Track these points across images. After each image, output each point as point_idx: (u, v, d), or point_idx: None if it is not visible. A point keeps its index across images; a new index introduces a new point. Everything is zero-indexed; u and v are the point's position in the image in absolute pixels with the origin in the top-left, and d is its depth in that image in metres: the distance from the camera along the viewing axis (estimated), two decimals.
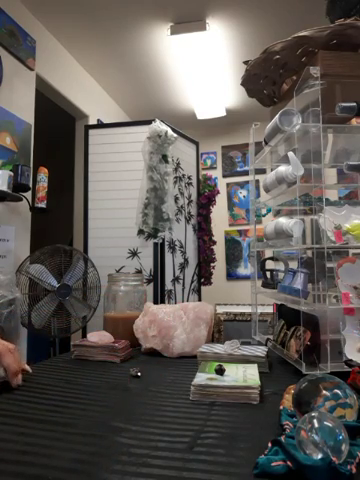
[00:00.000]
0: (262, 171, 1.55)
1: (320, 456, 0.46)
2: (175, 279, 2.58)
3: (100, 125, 3.29)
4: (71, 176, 3.48)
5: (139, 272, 2.39)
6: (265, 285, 1.38)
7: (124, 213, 2.46)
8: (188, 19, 2.71)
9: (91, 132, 2.62)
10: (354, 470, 0.46)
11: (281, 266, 1.32)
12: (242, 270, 4.50)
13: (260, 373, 0.88)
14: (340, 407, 0.57)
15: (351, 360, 0.91)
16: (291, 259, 1.30)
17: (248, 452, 0.54)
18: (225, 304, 3.72)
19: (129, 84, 3.69)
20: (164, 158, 2.38)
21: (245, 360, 1.02)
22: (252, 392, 0.78)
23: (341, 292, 0.97)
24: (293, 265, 1.22)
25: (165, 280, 2.45)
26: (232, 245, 4.56)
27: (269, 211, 1.50)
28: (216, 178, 3.91)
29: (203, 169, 4.49)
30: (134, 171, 2.45)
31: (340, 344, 0.95)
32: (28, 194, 2.36)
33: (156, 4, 2.57)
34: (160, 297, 2.41)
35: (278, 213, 1.66)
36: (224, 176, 4.70)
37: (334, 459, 0.45)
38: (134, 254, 2.45)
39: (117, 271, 2.43)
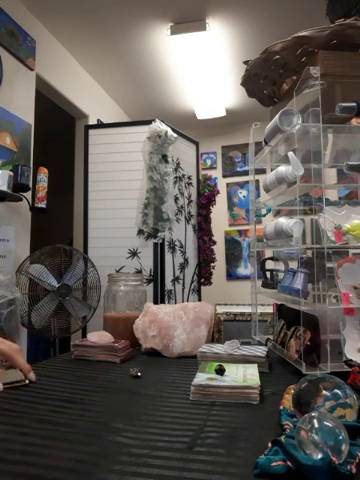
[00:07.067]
0: (262, 171, 1.55)
1: (320, 456, 0.46)
2: (175, 279, 2.58)
3: (100, 125, 3.29)
4: (71, 176, 3.48)
5: (139, 272, 2.39)
6: (265, 285, 1.38)
7: (124, 213, 2.46)
8: (188, 19, 2.72)
9: (91, 132, 2.62)
10: (354, 470, 0.46)
11: (281, 266, 1.32)
12: (242, 270, 4.51)
13: (260, 373, 0.88)
14: (340, 407, 0.57)
15: (351, 360, 0.91)
16: (291, 259, 1.30)
17: (248, 452, 0.54)
18: (225, 304, 3.72)
19: (129, 84, 3.69)
20: (164, 158, 2.38)
21: (245, 360, 1.02)
22: (252, 392, 0.77)
23: (341, 292, 0.97)
24: (293, 265, 1.22)
25: (165, 280, 2.45)
26: (232, 245, 4.56)
27: (269, 211, 1.50)
28: (216, 178, 3.92)
29: (203, 169, 4.49)
30: (134, 171, 2.45)
31: (340, 344, 0.95)
32: (28, 194, 2.36)
33: (156, 4, 2.57)
34: (160, 297, 2.41)
35: (278, 213, 1.66)
36: (224, 176, 4.70)
37: (334, 459, 0.45)
38: (134, 254, 2.45)
39: (117, 271, 2.43)
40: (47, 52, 2.83)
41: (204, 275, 2.91)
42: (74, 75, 3.25)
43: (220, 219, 4.41)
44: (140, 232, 2.40)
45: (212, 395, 0.79)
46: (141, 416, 0.70)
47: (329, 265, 0.97)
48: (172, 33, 2.79)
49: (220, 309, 3.59)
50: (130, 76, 3.53)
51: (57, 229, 3.94)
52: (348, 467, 0.45)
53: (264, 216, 1.59)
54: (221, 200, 4.29)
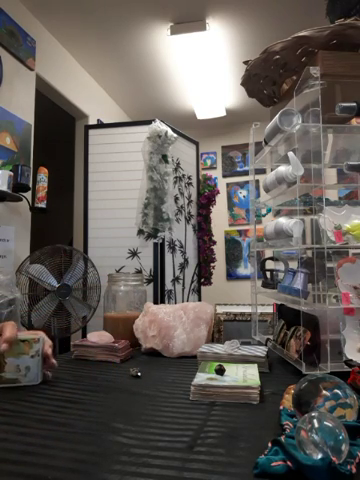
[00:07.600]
0: (262, 171, 1.55)
1: (320, 456, 0.46)
2: (175, 279, 2.58)
3: (100, 125, 3.29)
4: (71, 176, 3.48)
5: (139, 272, 2.39)
6: (265, 285, 1.38)
7: (124, 213, 2.46)
8: (188, 19, 2.71)
9: (91, 132, 2.62)
10: (354, 470, 0.46)
11: (281, 266, 1.32)
12: (242, 270, 4.51)
13: (260, 373, 0.88)
14: (340, 407, 0.57)
15: (351, 360, 0.91)
16: (291, 259, 1.30)
17: (248, 452, 0.54)
18: (225, 304, 3.72)
19: (129, 84, 3.69)
20: (164, 158, 2.38)
21: (245, 360, 1.02)
22: (252, 392, 0.77)
23: (341, 292, 0.97)
24: (293, 265, 1.22)
25: (165, 280, 2.45)
26: (232, 245, 4.56)
27: (269, 211, 1.50)
28: (216, 178, 3.91)
29: (203, 169, 4.49)
30: (134, 171, 2.45)
31: (340, 344, 0.96)
32: (28, 194, 2.36)
33: (156, 4, 2.57)
34: (160, 297, 2.41)
35: (278, 213, 1.66)
36: (224, 176, 4.70)
37: (334, 459, 0.45)
38: (134, 254, 2.45)
39: (117, 271, 2.43)
40: (47, 52, 2.83)
41: (204, 275, 2.91)
42: (74, 75, 3.25)
43: (220, 219, 4.41)
44: (140, 232, 2.40)
45: (212, 395, 0.79)
46: (141, 416, 0.70)
47: (329, 265, 0.97)
48: (172, 33, 2.79)
49: (220, 309, 3.58)
50: (130, 76, 3.53)
51: (57, 229, 3.93)
52: (348, 467, 0.45)
53: (264, 216, 1.59)
54: (221, 200, 4.29)
